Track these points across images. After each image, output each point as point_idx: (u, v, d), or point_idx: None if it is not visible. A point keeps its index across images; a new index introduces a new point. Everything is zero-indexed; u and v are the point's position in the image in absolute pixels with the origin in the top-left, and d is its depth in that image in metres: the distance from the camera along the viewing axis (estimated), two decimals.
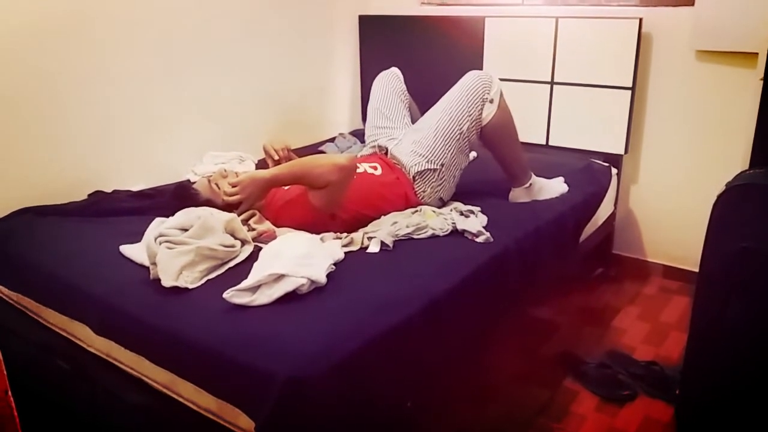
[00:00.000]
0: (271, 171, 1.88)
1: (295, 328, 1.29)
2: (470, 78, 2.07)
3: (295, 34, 2.96)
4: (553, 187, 2.25)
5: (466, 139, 2.06)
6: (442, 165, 2.05)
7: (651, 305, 2.51)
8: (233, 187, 1.83)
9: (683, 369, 1.67)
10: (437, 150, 2.04)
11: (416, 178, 2.04)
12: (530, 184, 2.17)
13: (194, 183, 2.01)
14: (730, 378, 1.54)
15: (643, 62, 2.54)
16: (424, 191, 2.05)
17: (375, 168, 2.05)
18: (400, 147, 2.13)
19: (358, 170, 1.98)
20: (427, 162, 2.04)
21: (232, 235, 1.63)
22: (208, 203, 1.82)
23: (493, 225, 1.88)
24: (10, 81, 1.98)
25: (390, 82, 2.38)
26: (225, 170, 1.97)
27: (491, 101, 2.04)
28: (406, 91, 2.40)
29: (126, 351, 1.44)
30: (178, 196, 1.89)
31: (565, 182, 2.30)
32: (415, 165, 2.04)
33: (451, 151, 2.05)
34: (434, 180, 2.05)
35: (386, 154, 2.16)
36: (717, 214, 1.50)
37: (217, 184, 1.89)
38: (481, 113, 2.04)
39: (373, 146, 2.25)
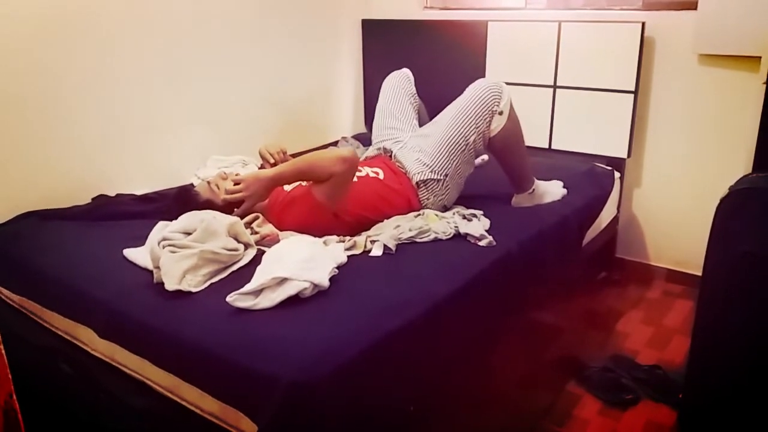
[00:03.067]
0: (275, 169, 1.87)
1: (297, 332, 1.30)
2: (480, 88, 2.02)
3: (299, 38, 2.97)
4: (555, 191, 2.25)
5: (472, 149, 2.05)
6: (446, 175, 2.04)
7: (654, 309, 2.51)
8: (237, 184, 1.83)
9: (686, 373, 1.66)
10: (442, 160, 2.03)
11: (420, 185, 2.04)
12: (533, 190, 2.17)
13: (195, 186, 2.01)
14: (733, 382, 1.54)
15: (645, 66, 2.54)
16: (428, 199, 2.05)
17: (377, 173, 2.04)
18: (405, 152, 2.12)
19: (360, 174, 1.98)
20: (431, 172, 2.03)
21: (236, 239, 1.63)
22: (209, 204, 1.82)
23: (495, 229, 1.88)
24: (15, 85, 1.99)
25: (401, 82, 2.37)
26: (225, 173, 1.97)
27: (500, 113, 2.01)
28: (416, 94, 2.39)
29: (129, 354, 1.44)
30: (178, 200, 1.89)
31: (565, 186, 2.30)
32: (419, 173, 2.04)
33: (456, 162, 2.04)
34: (438, 189, 2.05)
35: (391, 157, 2.16)
36: (720, 217, 1.50)
37: (216, 185, 1.89)
38: (489, 125, 2.01)
39: (379, 148, 2.25)
